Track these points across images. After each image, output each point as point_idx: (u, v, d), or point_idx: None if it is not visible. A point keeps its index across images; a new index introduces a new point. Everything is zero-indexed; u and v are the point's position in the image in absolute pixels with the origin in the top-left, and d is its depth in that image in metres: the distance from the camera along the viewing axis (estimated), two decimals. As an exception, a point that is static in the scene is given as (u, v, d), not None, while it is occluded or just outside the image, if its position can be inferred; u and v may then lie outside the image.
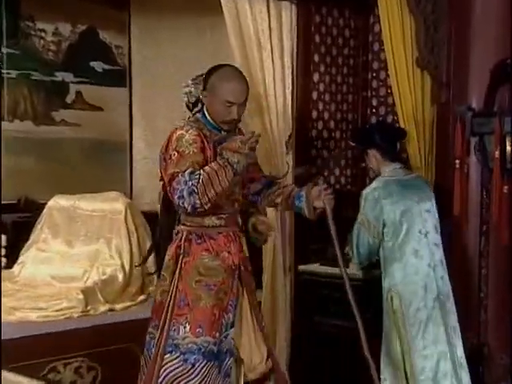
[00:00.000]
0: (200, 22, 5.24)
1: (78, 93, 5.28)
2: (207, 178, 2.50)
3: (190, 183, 2.49)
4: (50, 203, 4.69)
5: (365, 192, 3.27)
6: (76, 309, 3.87)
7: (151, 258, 4.53)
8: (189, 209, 2.52)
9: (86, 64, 5.33)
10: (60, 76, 5.20)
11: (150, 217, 4.65)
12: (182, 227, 2.76)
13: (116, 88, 5.48)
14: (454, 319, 3.23)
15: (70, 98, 5.25)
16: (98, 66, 5.38)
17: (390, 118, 4.49)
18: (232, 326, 2.71)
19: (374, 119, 4.60)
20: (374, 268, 3.47)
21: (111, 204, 4.57)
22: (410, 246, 3.17)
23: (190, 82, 3.31)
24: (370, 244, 3.22)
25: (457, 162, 3.37)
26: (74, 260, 4.40)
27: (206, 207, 2.53)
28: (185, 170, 2.53)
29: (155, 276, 4.51)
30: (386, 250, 3.21)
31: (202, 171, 2.52)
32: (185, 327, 2.63)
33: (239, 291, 2.77)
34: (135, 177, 5.62)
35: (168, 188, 2.59)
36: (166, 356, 2.64)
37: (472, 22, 3.48)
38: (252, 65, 3.86)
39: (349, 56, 4.59)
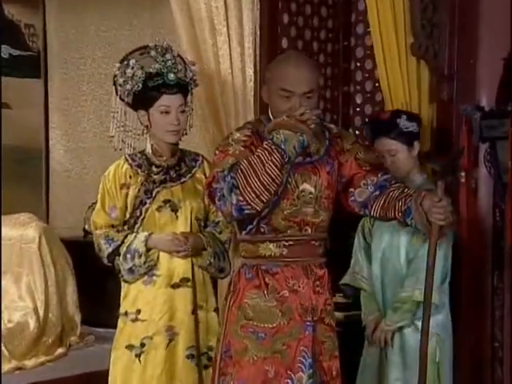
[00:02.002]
0: (136, -5, 5.26)
1: (-24, 85, 5.23)
2: (247, 166, 2.47)
3: (229, 177, 2.47)
4: None
5: None
6: (-27, 367, 3.81)
7: (74, 298, 4.51)
8: (234, 212, 2.46)
9: (-14, 48, 5.24)
10: (-49, 63, 5.11)
11: (71, 246, 4.67)
12: (240, 258, 2.73)
13: (27, 79, 5.45)
14: None
15: (-35, 92, 5.18)
16: (2, 50, 5.27)
17: (378, 120, 4.50)
18: None
19: (358, 120, 4.60)
20: (354, 308, 3.48)
21: (21, 229, 4.54)
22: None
23: (132, 61, 3.06)
24: None
25: (462, 174, 3.38)
26: (-29, 303, 4.32)
27: (257, 207, 2.47)
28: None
29: (78, 323, 4.51)
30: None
31: (241, 160, 2.50)
32: None
33: (319, 345, 2.65)
34: (53, 194, 5.60)
35: (207, 193, 2.59)
36: None
37: (481, -2, 3.50)
38: (203, 52, 3.85)
39: (326, 41, 4.59)
